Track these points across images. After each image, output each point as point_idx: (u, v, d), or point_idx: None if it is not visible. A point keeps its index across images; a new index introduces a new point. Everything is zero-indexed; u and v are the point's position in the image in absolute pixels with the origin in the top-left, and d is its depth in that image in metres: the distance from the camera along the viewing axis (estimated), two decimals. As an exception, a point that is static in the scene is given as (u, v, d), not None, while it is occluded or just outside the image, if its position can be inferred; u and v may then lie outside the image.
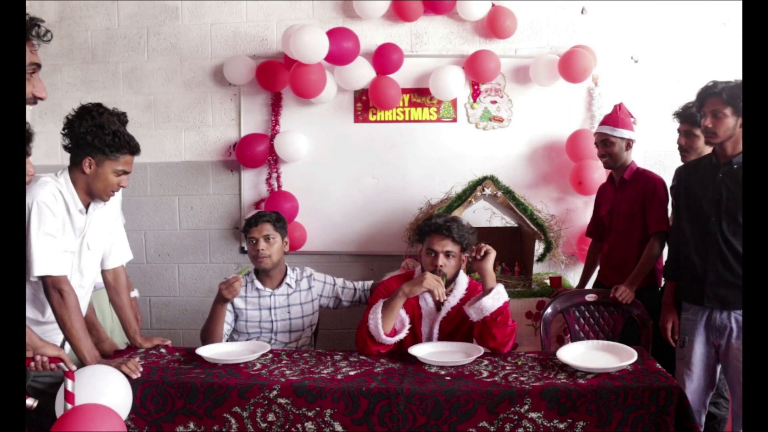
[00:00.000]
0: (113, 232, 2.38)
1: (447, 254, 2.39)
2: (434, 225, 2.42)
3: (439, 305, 2.44)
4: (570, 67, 3.39)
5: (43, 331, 2.17)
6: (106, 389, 1.90)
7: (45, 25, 1.88)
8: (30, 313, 2.12)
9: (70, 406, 1.79)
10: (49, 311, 2.11)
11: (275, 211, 2.74)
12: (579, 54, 3.39)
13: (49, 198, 2.06)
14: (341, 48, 3.40)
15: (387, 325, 2.30)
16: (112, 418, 1.78)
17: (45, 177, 2.12)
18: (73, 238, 2.17)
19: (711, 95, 2.26)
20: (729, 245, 2.27)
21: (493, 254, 2.37)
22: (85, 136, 2.12)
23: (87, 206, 2.20)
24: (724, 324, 2.29)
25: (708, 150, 2.57)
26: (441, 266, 2.37)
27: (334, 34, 3.40)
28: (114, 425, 1.77)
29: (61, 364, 1.82)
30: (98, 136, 2.11)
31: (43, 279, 2.03)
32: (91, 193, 2.17)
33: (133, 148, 2.18)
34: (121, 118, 2.32)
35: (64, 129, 2.18)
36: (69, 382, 1.81)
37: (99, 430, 1.71)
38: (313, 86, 3.45)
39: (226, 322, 2.58)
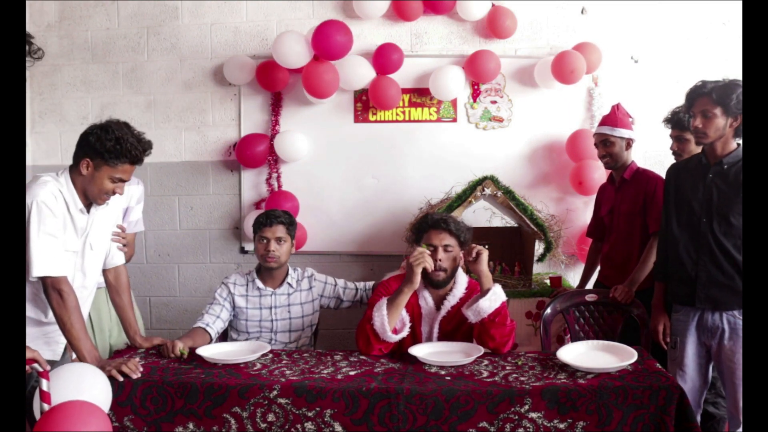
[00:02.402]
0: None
1: (445, 248, 2.39)
2: (431, 221, 2.44)
3: (438, 305, 2.44)
4: (562, 68, 3.40)
5: (46, 332, 2.16)
6: (83, 386, 1.88)
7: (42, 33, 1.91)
8: (32, 313, 2.12)
9: (46, 406, 1.78)
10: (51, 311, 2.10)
11: (288, 213, 2.69)
12: (570, 55, 3.40)
13: (49, 197, 2.04)
14: (335, 43, 3.37)
15: (393, 321, 2.31)
16: (97, 415, 1.77)
17: (45, 176, 2.10)
18: (75, 238, 2.15)
19: (700, 95, 2.25)
20: (720, 246, 2.25)
21: (485, 254, 2.36)
22: (88, 137, 2.09)
23: (88, 206, 2.19)
24: (716, 325, 2.28)
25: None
26: (440, 260, 2.37)
27: (324, 28, 3.37)
28: (99, 421, 1.76)
29: (35, 365, 1.80)
30: (100, 139, 2.07)
31: (43, 279, 2.02)
32: (86, 196, 2.15)
33: (134, 158, 2.12)
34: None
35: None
36: (44, 382, 1.80)
37: (85, 427, 1.70)
38: (327, 86, 3.46)
39: (220, 318, 2.57)
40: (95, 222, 2.21)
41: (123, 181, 2.14)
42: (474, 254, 2.37)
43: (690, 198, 2.34)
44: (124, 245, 2.44)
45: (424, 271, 2.37)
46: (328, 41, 3.35)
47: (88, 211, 2.18)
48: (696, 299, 2.30)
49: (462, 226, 2.44)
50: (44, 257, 2.00)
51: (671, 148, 2.87)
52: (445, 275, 2.40)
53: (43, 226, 2.01)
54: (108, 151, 2.07)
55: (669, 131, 2.88)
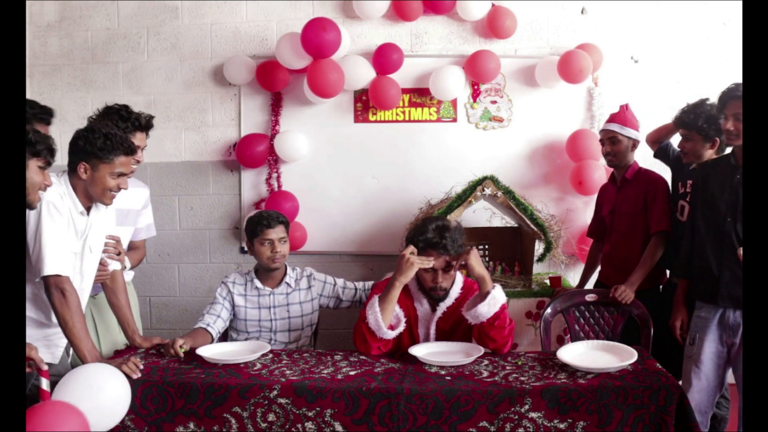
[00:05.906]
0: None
1: (444, 270, 2.34)
2: (428, 241, 2.31)
3: (434, 306, 2.44)
4: (568, 67, 3.40)
5: (47, 334, 2.15)
6: (102, 388, 1.88)
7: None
8: (34, 314, 2.11)
9: None
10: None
11: (280, 213, 2.74)
12: (577, 55, 3.40)
13: (57, 198, 2.06)
14: (324, 40, 3.35)
15: (387, 318, 2.29)
16: (74, 416, 1.74)
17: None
18: (76, 240, 2.16)
19: (733, 98, 2.22)
20: None
21: (472, 258, 2.29)
22: (77, 141, 2.10)
23: (88, 209, 2.19)
24: (737, 323, 2.29)
25: (707, 153, 2.65)
26: (441, 282, 2.34)
27: (311, 26, 3.34)
28: (74, 423, 1.73)
29: (33, 362, 1.80)
30: (89, 141, 2.09)
31: (46, 279, 2.01)
32: (91, 198, 2.16)
33: (128, 149, 2.14)
34: (147, 121, 2.48)
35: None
36: (43, 380, 1.80)
37: (59, 428, 1.67)
38: (332, 85, 3.45)
39: (221, 318, 2.57)
40: (93, 224, 2.22)
41: (124, 174, 2.16)
42: (459, 266, 2.34)
43: (717, 197, 2.35)
44: (118, 253, 2.44)
45: (423, 286, 2.38)
46: (316, 39, 3.33)
47: (88, 214, 2.19)
48: (719, 297, 2.31)
49: (459, 240, 2.34)
50: (55, 256, 2.00)
51: (679, 146, 2.81)
52: (445, 292, 2.38)
53: (56, 226, 2.02)
54: (100, 149, 2.09)
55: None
